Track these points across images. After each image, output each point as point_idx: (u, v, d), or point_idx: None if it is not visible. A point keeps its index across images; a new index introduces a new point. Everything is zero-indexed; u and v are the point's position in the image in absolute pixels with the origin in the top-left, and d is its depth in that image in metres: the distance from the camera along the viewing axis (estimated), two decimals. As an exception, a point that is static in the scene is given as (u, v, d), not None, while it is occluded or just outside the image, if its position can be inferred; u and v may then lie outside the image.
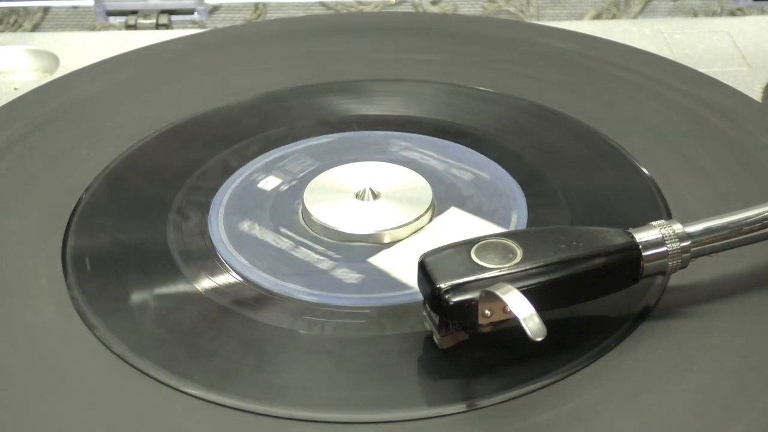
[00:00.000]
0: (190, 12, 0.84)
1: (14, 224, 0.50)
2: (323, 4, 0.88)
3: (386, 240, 0.48)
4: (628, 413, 0.38)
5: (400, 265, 0.46)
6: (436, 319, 0.40)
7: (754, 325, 0.42)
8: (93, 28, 0.86)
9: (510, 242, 0.40)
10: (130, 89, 0.63)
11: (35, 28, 0.87)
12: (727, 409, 0.38)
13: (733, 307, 0.43)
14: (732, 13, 0.87)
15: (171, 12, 0.83)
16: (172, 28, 0.82)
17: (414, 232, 0.48)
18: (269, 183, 0.53)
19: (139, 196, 0.52)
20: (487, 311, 0.38)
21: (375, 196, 0.50)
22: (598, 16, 0.88)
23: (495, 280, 0.38)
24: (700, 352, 0.41)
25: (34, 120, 0.59)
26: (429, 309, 0.40)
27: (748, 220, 0.42)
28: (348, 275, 0.46)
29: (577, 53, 0.65)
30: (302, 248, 0.48)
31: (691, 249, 0.41)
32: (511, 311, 0.36)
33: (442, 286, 0.38)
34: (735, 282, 0.45)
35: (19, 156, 0.55)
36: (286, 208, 0.51)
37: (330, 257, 0.47)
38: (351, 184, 0.51)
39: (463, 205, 0.51)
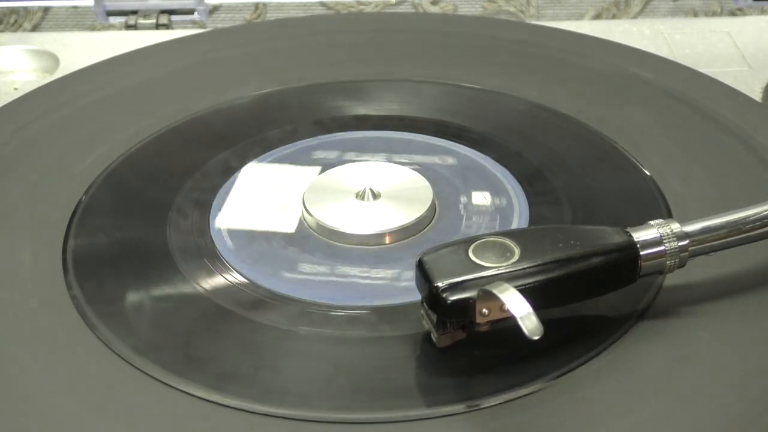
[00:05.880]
0: (190, 12, 0.84)
1: (14, 224, 0.50)
2: (323, 4, 0.88)
3: (387, 240, 0.48)
4: (628, 413, 0.38)
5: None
6: (434, 317, 0.40)
7: (753, 325, 0.42)
8: (93, 28, 0.86)
9: (508, 241, 0.40)
10: (130, 89, 0.62)
11: (35, 28, 0.87)
12: (726, 409, 0.38)
13: (732, 307, 0.43)
14: (732, 13, 0.87)
15: (171, 12, 0.83)
16: (172, 28, 0.82)
17: (416, 232, 0.49)
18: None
19: (139, 196, 0.52)
20: (484, 310, 0.38)
21: (375, 196, 0.50)
22: (598, 16, 0.88)
23: (492, 278, 0.38)
24: (699, 351, 0.41)
25: (34, 120, 0.58)
26: (427, 308, 0.40)
27: (746, 220, 0.42)
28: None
29: (576, 53, 0.65)
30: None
31: (689, 248, 0.41)
32: (508, 310, 0.36)
33: (440, 284, 0.38)
34: (734, 281, 0.45)
35: (19, 156, 0.55)
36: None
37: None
38: (351, 185, 0.51)
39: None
